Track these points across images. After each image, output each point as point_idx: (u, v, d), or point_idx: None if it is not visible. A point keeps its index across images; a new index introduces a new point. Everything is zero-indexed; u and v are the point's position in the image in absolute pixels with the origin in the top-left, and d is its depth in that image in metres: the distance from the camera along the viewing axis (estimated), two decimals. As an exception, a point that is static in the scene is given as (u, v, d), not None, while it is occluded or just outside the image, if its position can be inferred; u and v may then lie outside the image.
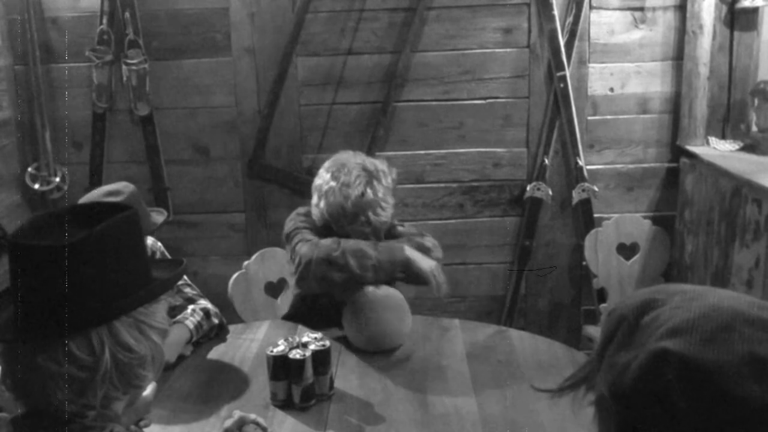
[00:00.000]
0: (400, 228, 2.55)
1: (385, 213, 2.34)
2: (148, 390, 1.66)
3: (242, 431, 1.65)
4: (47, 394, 1.13)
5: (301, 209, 2.50)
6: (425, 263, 2.34)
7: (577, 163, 3.32)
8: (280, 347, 1.94)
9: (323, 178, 2.35)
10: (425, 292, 3.46)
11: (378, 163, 2.39)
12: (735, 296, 0.78)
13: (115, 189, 2.27)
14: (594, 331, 3.35)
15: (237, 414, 1.68)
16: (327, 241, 2.27)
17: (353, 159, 2.37)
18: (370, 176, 2.31)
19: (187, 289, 2.46)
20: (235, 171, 3.40)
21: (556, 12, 3.20)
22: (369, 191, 2.29)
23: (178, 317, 2.29)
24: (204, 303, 2.42)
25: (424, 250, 2.45)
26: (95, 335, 1.13)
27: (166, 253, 2.48)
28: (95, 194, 2.26)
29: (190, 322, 2.28)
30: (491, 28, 3.26)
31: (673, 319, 0.74)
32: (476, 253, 3.48)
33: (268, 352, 1.93)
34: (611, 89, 3.33)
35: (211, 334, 2.37)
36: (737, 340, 0.71)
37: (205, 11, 3.25)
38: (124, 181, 2.37)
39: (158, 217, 2.37)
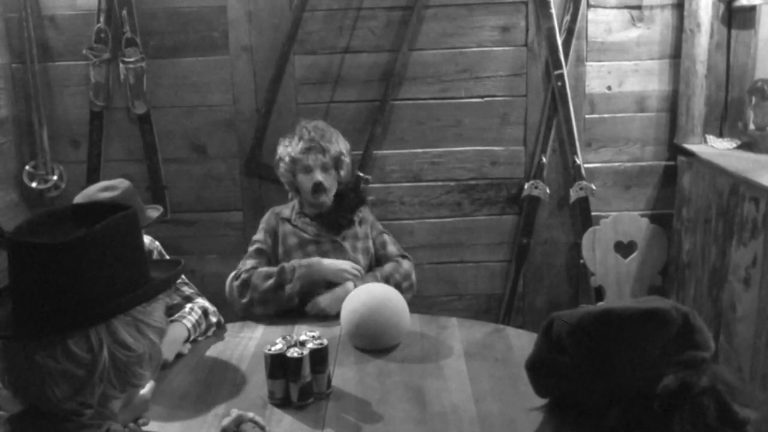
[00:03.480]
0: (369, 216, 2.81)
1: (335, 143, 2.66)
2: (146, 389, 1.67)
3: (240, 430, 1.65)
4: (45, 392, 1.13)
5: (276, 208, 2.80)
6: (333, 266, 2.55)
7: (574, 161, 3.32)
8: (278, 346, 1.95)
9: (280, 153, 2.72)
10: (424, 291, 3.48)
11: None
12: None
13: (110, 184, 2.28)
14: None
15: (235, 412, 1.68)
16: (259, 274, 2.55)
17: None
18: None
19: (185, 288, 2.46)
20: (233, 169, 3.40)
21: (553, 10, 3.20)
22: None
23: (176, 316, 2.30)
24: (202, 301, 2.43)
25: (383, 245, 2.74)
26: (94, 333, 1.14)
27: (164, 253, 2.48)
28: (91, 190, 2.27)
29: (188, 320, 2.28)
30: (488, 27, 3.26)
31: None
32: (474, 252, 3.48)
33: (266, 351, 1.94)
34: (609, 87, 3.33)
35: (209, 332, 2.37)
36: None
37: (202, 9, 3.25)
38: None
39: (153, 212, 2.37)
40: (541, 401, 1.02)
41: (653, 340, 0.91)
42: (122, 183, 2.30)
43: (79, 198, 2.25)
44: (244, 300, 2.49)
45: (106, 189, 2.25)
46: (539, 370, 0.99)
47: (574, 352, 0.94)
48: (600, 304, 1.04)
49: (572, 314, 0.97)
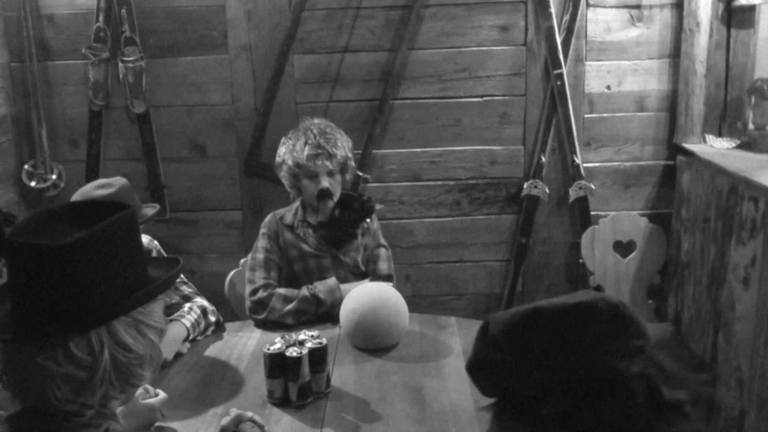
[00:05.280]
0: (374, 224, 2.68)
1: (341, 148, 2.55)
2: (156, 399, 1.68)
3: (239, 429, 1.65)
4: (46, 393, 1.13)
5: (278, 212, 2.66)
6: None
7: (573, 160, 3.32)
8: (277, 345, 1.94)
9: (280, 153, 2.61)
10: (424, 290, 3.48)
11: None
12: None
13: (106, 182, 2.30)
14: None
15: (234, 412, 1.68)
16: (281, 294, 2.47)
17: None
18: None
19: (184, 287, 2.46)
20: (232, 169, 3.40)
21: (553, 10, 3.20)
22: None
23: (175, 315, 2.29)
24: (201, 301, 2.43)
25: (375, 259, 2.64)
26: (94, 335, 1.13)
27: (163, 252, 2.48)
28: (88, 188, 2.28)
29: (187, 320, 2.28)
30: (488, 26, 3.26)
31: None
32: (473, 251, 3.49)
33: (265, 350, 1.93)
34: (608, 87, 3.33)
35: (208, 331, 2.37)
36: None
37: (201, 8, 3.25)
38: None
39: (149, 210, 2.37)
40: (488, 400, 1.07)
41: (583, 332, 0.95)
42: (119, 181, 2.31)
43: (76, 196, 2.26)
44: (259, 317, 2.45)
45: (102, 186, 2.27)
46: (479, 370, 1.06)
47: (509, 349, 1.00)
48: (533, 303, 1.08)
49: (505, 313, 1.02)
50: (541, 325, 0.97)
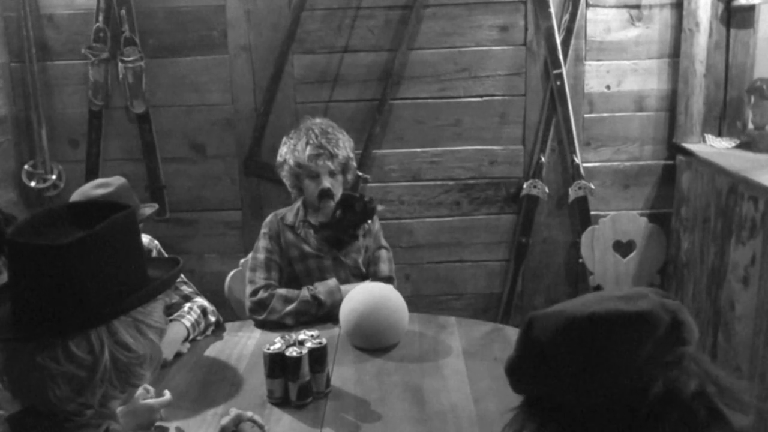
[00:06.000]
0: (375, 225, 2.68)
1: (343, 148, 2.54)
2: (160, 399, 1.69)
3: (239, 429, 1.65)
4: (46, 393, 1.13)
5: (279, 211, 2.66)
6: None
7: (573, 160, 3.32)
8: (277, 345, 1.95)
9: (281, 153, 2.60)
10: (423, 290, 3.48)
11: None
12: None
13: (105, 182, 2.31)
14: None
15: (234, 411, 1.68)
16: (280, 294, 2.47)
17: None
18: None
19: (184, 287, 2.46)
20: (232, 169, 3.40)
21: (552, 10, 3.20)
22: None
23: (175, 315, 2.29)
24: (200, 301, 2.43)
25: (376, 261, 2.63)
26: (95, 335, 1.14)
27: (163, 252, 2.48)
28: (86, 187, 2.30)
29: (187, 320, 2.28)
30: (487, 26, 3.26)
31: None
32: (473, 251, 3.49)
33: (265, 350, 1.93)
34: (608, 87, 3.33)
35: (208, 331, 2.37)
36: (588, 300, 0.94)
37: (201, 9, 3.25)
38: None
39: (146, 209, 2.38)
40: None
41: (642, 343, 0.86)
42: (117, 180, 2.32)
43: (75, 196, 2.27)
44: (259, 317, 2.45)
45: (100, 186, 2.28)
46: (520, 373, 0.95)
47: (558, 357, 0.89)
48: (581, 300, 0.96)
49: (554, 317, 0.91)
50: (597, 336, 0.86)
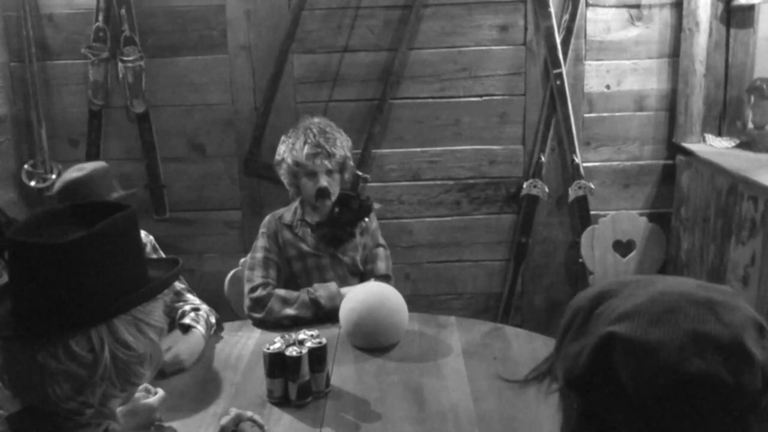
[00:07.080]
0: (373, 223, 2.68)
1: (341, 147, 2.54)
2: (155, 398, 1.68)
3: (239, 428, 1.65)
4: (46, 392, 1.13)
5: (277, 212, 2.67)
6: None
7: (573, 160, 3.32)
8: (277, 344, 1.95)
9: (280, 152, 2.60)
10: (423, 290, 3.48)
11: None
12: (683, 281, 0.80)
13: (81, 166, 2.39)
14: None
15: (233, 411, 1.68)
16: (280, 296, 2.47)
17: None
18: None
19: (177, 283, 2.45)
20: (232, 168, 3.40)
21: (552, 9, 3.20)
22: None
23: (188, 321, 2.28)
24: (199, 303, 2.41)
25: (373, 258, 2.63)
26: (95, 333, 1.14)
27: (158, 247, 2.48)
28: (65, 173, 2.39)
29: (201, 327, 2.28)
30: (487, 26, 3.26)
31: (623, 306, 0.77)
32: (472, 251, 3.49)
33: (265, 350, 1.94)
34: (607, 86, 3.33)
35: (211, 331, 2.37)
36: (682, 320, 0.73)
37: (201, 8, 3.24)
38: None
39: (122, 191, 2.44)
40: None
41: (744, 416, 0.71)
42: (94, 164, 2.40)
43: (58, 183, 2.35)
44: (258, 315, 2.45)
45: (76, 170, 2.35)
46: (585, 389, 0.78)
47: (645, 407, 0.72)
48: (672, 322, 0.73)
49: (643, 351, 0.72)
50: (695, 398, 0.71)
